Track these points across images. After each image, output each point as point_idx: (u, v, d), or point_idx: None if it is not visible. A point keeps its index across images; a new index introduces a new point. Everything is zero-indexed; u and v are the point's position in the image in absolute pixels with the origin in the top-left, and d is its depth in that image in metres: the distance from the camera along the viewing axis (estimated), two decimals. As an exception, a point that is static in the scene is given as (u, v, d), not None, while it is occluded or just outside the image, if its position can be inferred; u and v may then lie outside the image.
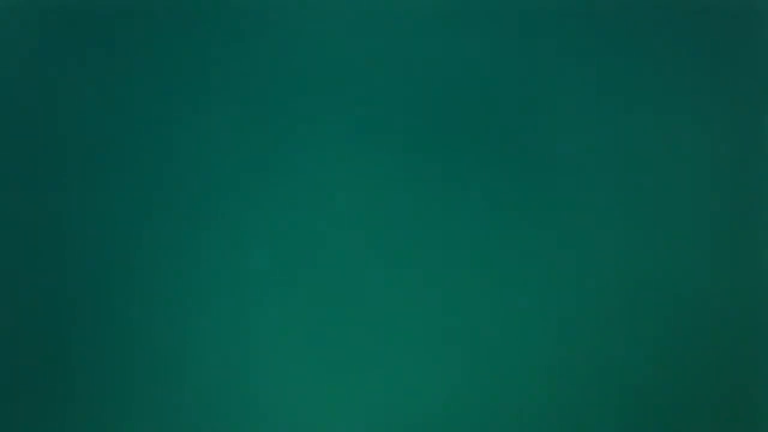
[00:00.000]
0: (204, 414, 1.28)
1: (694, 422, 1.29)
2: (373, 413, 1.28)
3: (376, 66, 1.33)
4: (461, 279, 1.30)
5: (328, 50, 1.34)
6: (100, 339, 1.29)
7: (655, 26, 1.34)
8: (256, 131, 1.33)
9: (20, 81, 1.33)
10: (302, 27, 1.34)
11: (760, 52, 1.34)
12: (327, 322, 1.29)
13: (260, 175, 1.32)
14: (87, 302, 1.30)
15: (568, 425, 1.28)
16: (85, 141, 1.33)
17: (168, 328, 1.29)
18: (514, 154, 1.32)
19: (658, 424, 1.29)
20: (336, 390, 1.29)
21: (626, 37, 1.34)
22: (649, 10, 1.34)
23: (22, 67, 1.34)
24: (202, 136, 1.32)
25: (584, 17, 1.34)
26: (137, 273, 1.30)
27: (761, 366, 1.30)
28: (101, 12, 1.34)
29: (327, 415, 1.28)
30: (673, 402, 1.29)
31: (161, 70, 1.33)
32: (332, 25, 1.34)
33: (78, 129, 1.33)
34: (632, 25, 1.34)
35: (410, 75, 1.33)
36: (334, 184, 1.32)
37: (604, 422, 1.29)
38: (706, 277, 1.31)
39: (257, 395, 1.29)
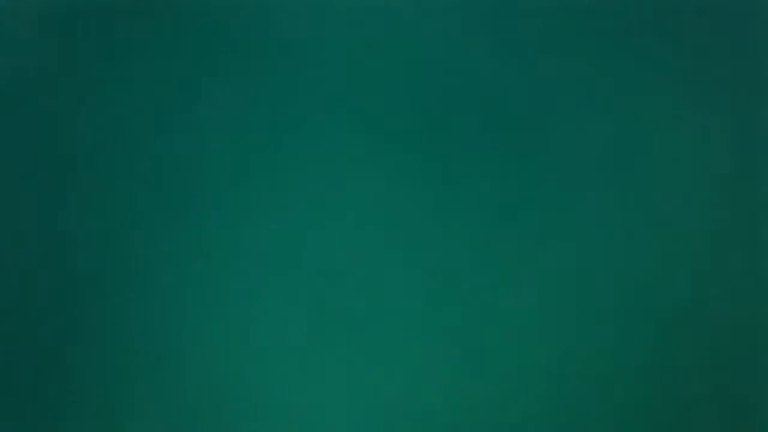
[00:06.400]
0: (204, 414, 1.28)
1: (693, 422, 1.29)
2: (374, 413, 1.28)
3: (377, 65, 1.33)
4: (461, 278, 1.30)
5: (328, 50, 1.34)
6: (100, 339, 1.29)
7: (655, 26, 1.34)
8: (257, 130, 1.33)
9: (20, 81, 1.33)
10: (303, 26, 1.34)
11: (760, 52, 1.34)
12: (326, 321, 1.29)
13: (260, 174, 1.32)
14: (85, 302, 1.30)
15: (567, 425, 1.28)
16: (85, 140, 1.33)
17: (168, 327, 1.30)
18: (514, 153, 1.32)
19: (658, 425, 1.29)
20: (336, 390, 1.29)
21: (626, 37, 1.34)
22: (649, 10, 1.34)
23: (21, 67, 1.34)
24: (204, 135, 1.32)
25: (584, 17, 1.34)
26: (137, 272, 1.30)
27: (761, 366, 1.30)
28: (101, 12, 1.34)
29: (327, 415, 1.28)
30: (672, 402, 1.29)
31: (162, 69, 1.33)
32: (333, 25, 1.34)
33: (78, 129, 1.33)
34: (632, 25, 1.34)
35: (411, 74, 1.33)
36: (333, 183, 1.32)
37: (603, 422, 1.29)
38: (706, 277, 1.31)
39: (257, 395, 1.29)
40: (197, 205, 1.31)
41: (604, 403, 1.29)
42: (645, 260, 1.31)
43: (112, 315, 1.29)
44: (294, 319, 1.29)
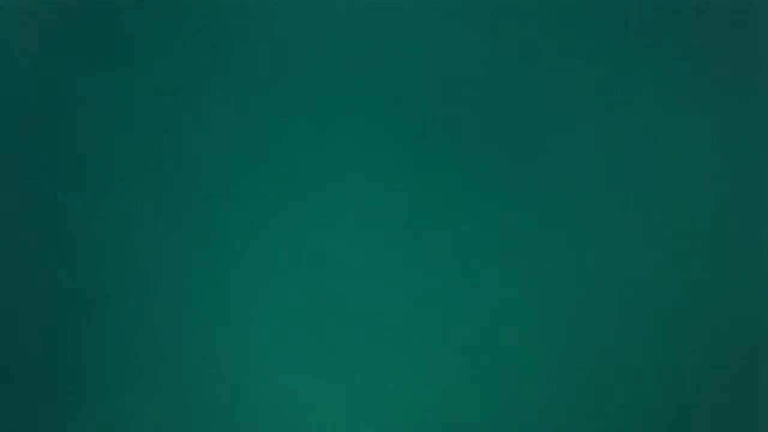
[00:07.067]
0: (204, 414, 1.28)
1: (694, 422, 1.29)
2: (374, 412, 1.28)
3: (377, 65, 1.33)
4: (461, 277, 1.30)
5: (329, 50, 1.34)
6: (100, 339, 1.29)
7: (655, 26, 1.34)
8: (257, 130, 1.33)
9: (20, 81, 1.33)
10: (304, 26, 1.34)
11: (760, 52, 1.34)
12: (326, 322, 1.29)
13: (260, 173, 1.32)
14: (85, 302, 1.30)
15: (567, 425, 1.28)
16: (85, 140, 1.33)
17: (168, 327, 1.29)
18: (514, 153, 1.32)
19: (658, 425, 1.28)
20: (336, 389, 1.29)
21: (626, 37, 1.34)
22: (649, 10, 1.34)
23: (21, 67, 1.34)
24: (203, 136, 1.33)
25: (584, 17, 1.34)
26: (137, 272, 1.30)
27: (761, 366, 1.30)
28: (101, 12, 1.34)
29: (327, 414, 1.28)
30: (673, 402, 1.29)
31: (162, 69, 1.33)
32: (333, 25, 1.34)
33: (78, 128, 1.33)
34: (632, 25, 1.34)
35: (411, 74, 1.33)
36: (333, 182, 1.32)
37: (603, 422, 1.28)
38: (706, 278, 1.31)
39: (257, 396, 1.28)
40: (197, 205, 1.31)
41: (604, 403, 1.29)
42: (645, 260, 1.31)
43: (112, 315, 1.29)
44: (294, 319, 1.29)
